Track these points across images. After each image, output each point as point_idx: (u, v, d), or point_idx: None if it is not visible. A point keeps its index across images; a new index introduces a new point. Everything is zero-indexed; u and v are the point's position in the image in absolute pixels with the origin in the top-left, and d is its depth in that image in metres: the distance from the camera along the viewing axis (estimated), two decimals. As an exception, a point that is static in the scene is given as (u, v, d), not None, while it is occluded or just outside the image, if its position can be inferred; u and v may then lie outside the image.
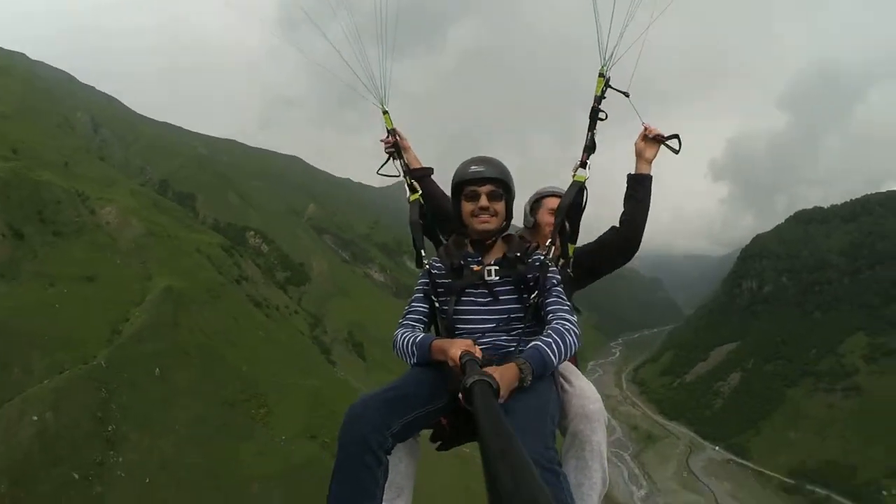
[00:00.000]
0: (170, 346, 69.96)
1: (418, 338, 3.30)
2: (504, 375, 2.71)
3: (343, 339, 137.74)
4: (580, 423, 3.37)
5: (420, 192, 4.31)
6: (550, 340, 3.07)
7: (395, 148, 4.54)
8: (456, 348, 2.85)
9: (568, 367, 3.68)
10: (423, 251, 3.89)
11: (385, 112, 4.60)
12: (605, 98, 4.05)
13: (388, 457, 2.85)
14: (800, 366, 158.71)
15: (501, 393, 2.60)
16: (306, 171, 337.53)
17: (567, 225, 3.97)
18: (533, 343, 3.08)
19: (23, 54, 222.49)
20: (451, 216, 3.84)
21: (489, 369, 2.67)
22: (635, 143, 4.28)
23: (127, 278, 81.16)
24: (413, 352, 3.26)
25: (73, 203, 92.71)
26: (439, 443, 3.38)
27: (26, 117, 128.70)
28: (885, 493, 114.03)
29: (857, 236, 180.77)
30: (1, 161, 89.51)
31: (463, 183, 3.57)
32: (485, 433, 1.51)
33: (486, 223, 3.55)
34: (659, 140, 4.20)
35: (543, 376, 3.02)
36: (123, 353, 65.01)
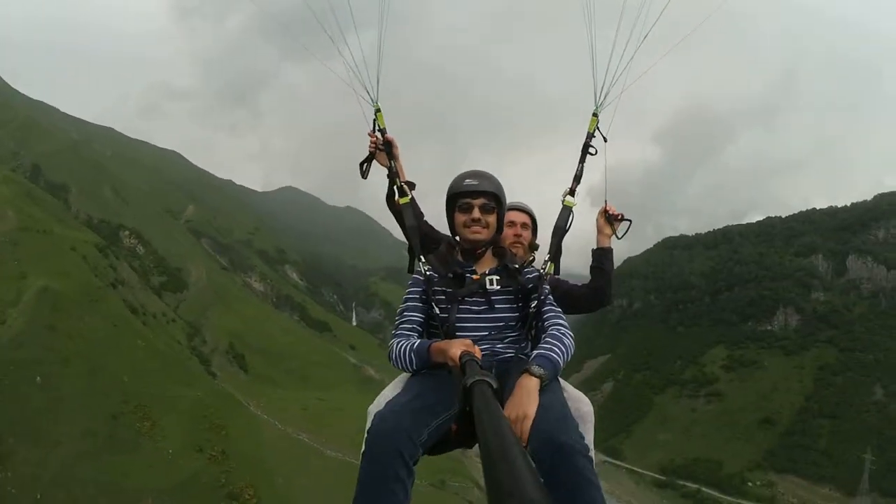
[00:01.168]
0: (49, 353, 66.41)
1: (415, 344, 3.32)
2: (531, 396, 2.84)
3: (223, 351, 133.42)
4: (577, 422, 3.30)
5: (410, 196, 4.29)
6: (553, 346, 3.20)
7: (388, 148, 4.40)
8: (456, 348, 2.87)
9: None
10: (422, 258, 3.87)
11: (378, 110, 4.49)
12: (594, 136, 4.28)
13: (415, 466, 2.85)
14: (666, 375, 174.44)
15: (532, 410, 2.76)
16: (187, 169, 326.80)
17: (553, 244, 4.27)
18: (537, 352, 3.18)
19: None
20: (429, 233, 4.21)
21: (514, 398, 2.84)
22: (596, 219, 4.61)
23: (0, 275, 75.73)
24: (412, 358, 3.28)
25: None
26: (444, 446, 3.31)
27: None
28: (749, 483, 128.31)
29: (717, 261, 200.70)
30: None
31: (457, 195, 3.69)
32: (485, 433, 1.50)
33: (478, 234, 3.66)
34: (616, 220, 4.52)
35: (556, 378, 3.18)
36: (1, 358, 60.70)
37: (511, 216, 4.61)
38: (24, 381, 60.88)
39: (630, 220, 4.50)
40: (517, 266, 3.69)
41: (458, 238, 3.78)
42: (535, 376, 2.90)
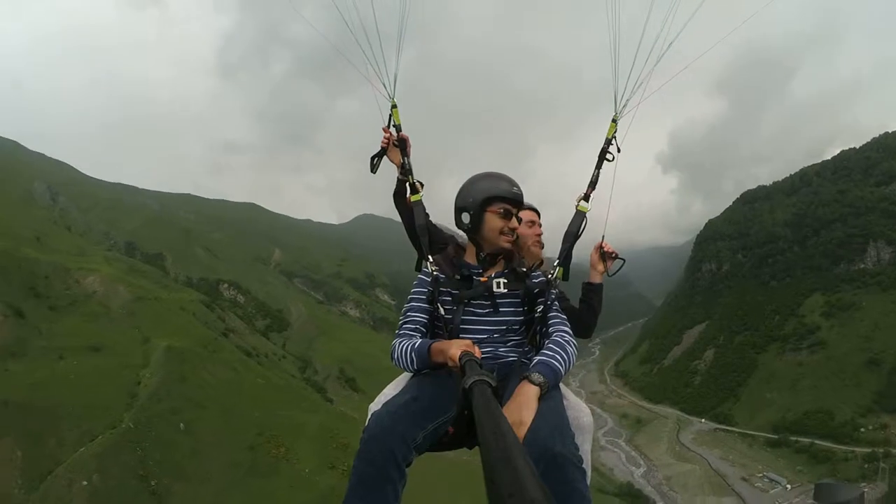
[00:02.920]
0: (186, 402, 73.33)
1: (416, 344, 3.28)
2: (529, 402, 2.82)
3: (335, 377, 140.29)
4: (575, 433, 3.16)
5: (421, 193, 4.33)
6: (555, 353, 3.15)
7: (402, 145, 4.43)
8: (455, 349, 2.82)
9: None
10: (430, 258, 3.85)
11: (394, 106, 4.51)
12: (612, 143, 4.24)
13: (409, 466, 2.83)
14: (766, 332, 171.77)
15: (529, 417, 2.74)
16: (266, 216, 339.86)
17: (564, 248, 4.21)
18: (539, 359, 3.12)
19: None
20: (435, 234, 4.22)
21: (512, 403, 2.82)
22: (591, 255, 4.51)
23: (128, 343, 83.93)
24: (412, 358, 3.25)
25: (60, 276, 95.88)
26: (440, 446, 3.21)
27: None
28: (862, 429, 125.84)
29: (799, 207, 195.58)
30: None
31: (500, 199, 3.56)
32: (485, 433, 1.49)
33: (510, 242, 3.62)
34: (610, 257, 4.49)
35: (557, 386, 3.11)
36: (146, 413, 68.24)
37: (529, 215, 4.65)
38: (169, 428, 67.80)
39: (623, 259, 4.53)
40: (524, 270, 3.65)
41: (478, 240, 3.66)
42: (535, 384, 2.88)
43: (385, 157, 4.56)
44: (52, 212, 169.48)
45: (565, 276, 4.07)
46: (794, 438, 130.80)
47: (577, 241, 4.24)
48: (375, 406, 3.28)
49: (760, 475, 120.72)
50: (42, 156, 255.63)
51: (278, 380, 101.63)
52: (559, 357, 3.12)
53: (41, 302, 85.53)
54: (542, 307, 3.56)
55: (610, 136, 4.24)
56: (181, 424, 69.22)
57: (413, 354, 3.24)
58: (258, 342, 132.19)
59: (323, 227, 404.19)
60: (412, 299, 3.68)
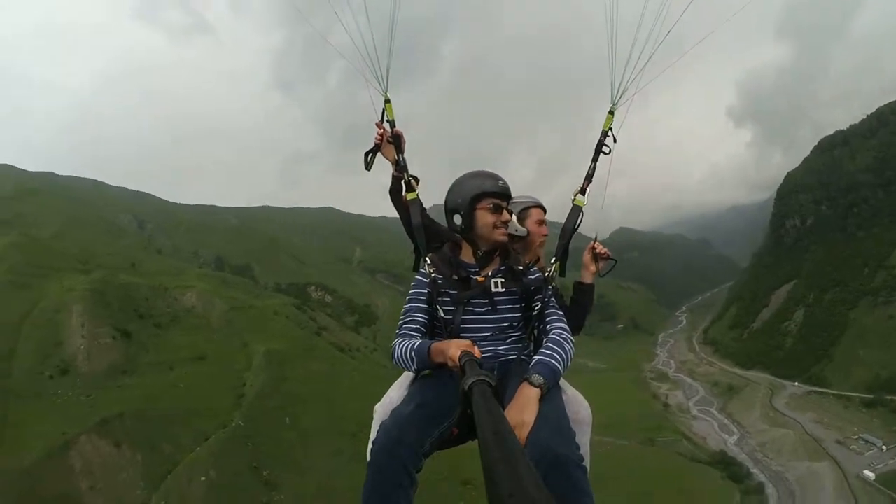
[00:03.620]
0: (289, 398, 77.85)
1: (416, 344, 3.28)
2: (530, 404, 2.85)
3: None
4: (573, 427, 3.17)
5: (417, 190, 4.30)
6: (554, 352, 3.19)
7: (396, 141, 4.38)
8: (455, 349, 2.84)
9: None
10: (427, 259, 3.81)
11: (387, 101, 4.43)
12: (608, 135, 4.15)
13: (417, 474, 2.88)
14: (856, 287, 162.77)
15: (530, 419, 2.78)
16: (343, 218, 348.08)
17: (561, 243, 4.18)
18: (538, 359, 3.15)
19: (51, 173, 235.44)
20: (433, 230, 4.13)
21: (513, 405, 2.85)
22: (583, 255, 4.41)
23: (229, 350, 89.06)
24: (412, 358, 3.25)
25: (160, 296, 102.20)
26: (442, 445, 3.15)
27: (79, 230, 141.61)
28: None
29: (879, 150, 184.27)
30: (83, 275, 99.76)
31: (488, 194, 3.59)
32: (484, 434, 1.49)
33: (505, 236, 3.65)
34: (603, 258, 4.39)
35: (556, 385, 3.14)
36: (254, 412, 72.85)
37: (538, 214, 4.60)
38: (276, 424, 72.53)
39: (615, 261, 4.50)
40: (521, 267, 3.66)
41: (473, 238, 3.68)
42: (535, 386, 2.90)
43: (380, 154, 4.50)
44: (141, 239, 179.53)
45: (562, 272, 4.14)
46: (889, 397, 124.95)
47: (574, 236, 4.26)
48: (381, 406, 3.44)
49: (856, 437, 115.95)
50: (124, 189, 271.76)
51: (372, 371, 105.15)
52: (557, 356, 3.17)
53: (145, 321, 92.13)
54: (539, 304, 3.63)
55: (606, 128, 4.17)
56: (286, 419, 73.60)
57: (413, 354, 3.26)
58: (350, 338, 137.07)
59: (399, 221, 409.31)
60: (411, 300, 3.67)
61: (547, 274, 3.77)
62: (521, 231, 4.43)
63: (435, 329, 3.67)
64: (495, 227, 3.59)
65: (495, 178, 3.65)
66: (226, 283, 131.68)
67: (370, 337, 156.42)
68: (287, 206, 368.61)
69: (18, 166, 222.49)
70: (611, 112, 4.15)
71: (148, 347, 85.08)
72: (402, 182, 4.32)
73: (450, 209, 3.68)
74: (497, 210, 3.59)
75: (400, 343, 3.39)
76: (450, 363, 2.86)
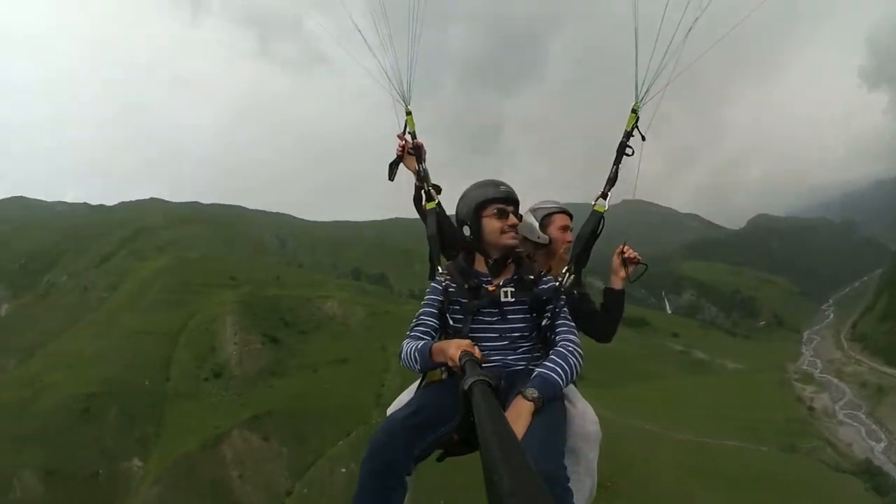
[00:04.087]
0: None
1: (420, 345, 3.29)
2: (520, 418, 2.80)
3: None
4: (579, 442, 3.40)
5: (437, 200, 4.37)
6: (556, 366, 3.11)
7: (417, 152, 4.51)
8: (454, 349, 2.87)
9: (570, 388, 3.59)
10: (439, 267, 3.90)
11: (409, 113, 4.59)
12: (633, 135, 4.02)
13: (409, 477, 2.93)
14: None
15: (519, 433, 2.68)
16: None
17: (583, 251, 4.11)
18: (538, 371, 3.10)
19: (197, 202, 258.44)
20: (454, 237, 3.99)
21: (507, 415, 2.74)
22: (612, 259, 4.37)
23: (369, 353, 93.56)
24: (416, 358, 3.26)
25: (304, 306, 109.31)
26: (440, 451, 3.17)
27: (226, 251, 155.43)
28: None
29: None
30: (232, 290, 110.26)
31: (491, 201, 3.61)
32: (485, 433, 1.48)
33: (515, 239, 3.63)
34: (632, 263, 4.35)
35: (555, 399, 3.06)
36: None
37: (563, 220, 4.54)
38: None
39: (646, 265, 4.45)
40: (532, 277, 3.62)
41: (483, 248, 3.68)
42: (528, 399, 2.86)
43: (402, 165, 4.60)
44: (284, 256, 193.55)
45: (578, 284, 4.02)
46: None
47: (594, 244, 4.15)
48: (391, 409, 3.40)
49: None
50: (264, 212, 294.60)
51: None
52: (559, 369, 3.10)
53: (291, 329, 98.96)
54: (549, 315, 3.55)
55: (629, 129, 4.03)
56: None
57: (416, 355, 3.27)
58: None
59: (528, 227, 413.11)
60: (425, 305, 3.69)
61: (558, 282, 3.72)
62: (543, 238, 4.43)
63: (447, 336, 3.63)
64: (503, 231, 3.60)
65: (497, 184, 3.71)
66: (363, 291, 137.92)
67: None
68: (415, 216, 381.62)
69: (167, 199, 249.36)
70: (633, 111, 4.01)
71: (294, 352, 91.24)
72: (423, 192, 4.45)
73: (459, 222, 3.76)
74: (502, 215, 3.61)
75: (407, 344, 3.41)
76: (450, 363, 2.91)
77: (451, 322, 3.60)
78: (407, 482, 2.90)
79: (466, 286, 3.59)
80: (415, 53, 4.44)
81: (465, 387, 2.11)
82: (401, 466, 2.84)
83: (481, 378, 2.09)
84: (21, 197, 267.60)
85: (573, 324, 3.52)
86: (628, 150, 4.05)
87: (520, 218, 3.72)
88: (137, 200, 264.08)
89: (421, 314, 3.61)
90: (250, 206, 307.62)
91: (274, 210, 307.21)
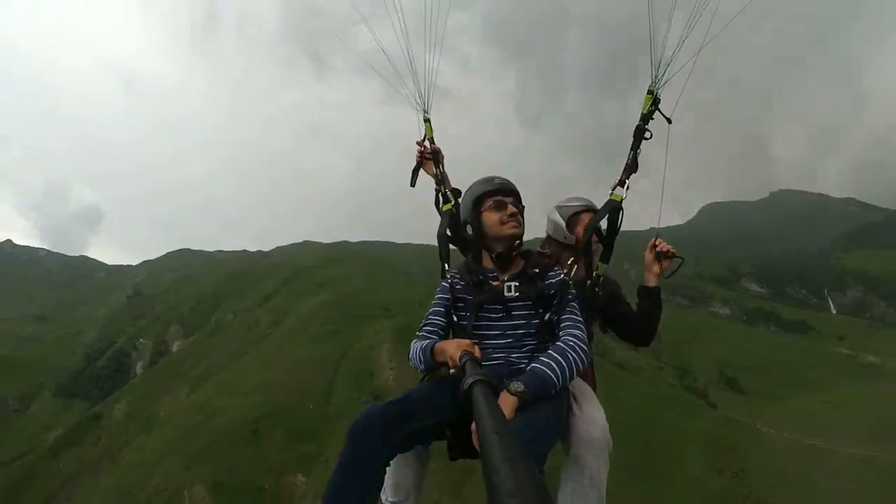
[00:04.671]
0: None
1: (424, 344, 3.29)
2: (507, 404, 2.76)
3: (715, 380, 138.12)
4: (581, 449, 3.30)
5: (453, 202, 4.25)
6: (551, 361, 3.03)
7: (435, 157, 4.55)
8: (454, 348, 2.86)
9: (581, 388, 3.61)
10: (447, 265, 3.91)
11: (427, 120, 4.65)
12: (652, 118, 3.79)
13: (389, 466, 2.90)
14: None
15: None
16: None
17: (601, 244, 3.99)
18: (531, 366, 3.05)
19: (345, 241, 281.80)
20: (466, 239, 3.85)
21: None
22: (644, 254, 4.20)
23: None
24: (420, 358, 3.27)
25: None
26: (452, 452, 3.20)
27: (379, 284, 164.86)
28: None
29: None
30: (388, 319, 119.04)
31: (488, 194, 3.59)
32: (485, 433, 1.47)
33: (516, 227, 3.54)
34: (667, 257, 4.16)
35: (548, 396, 2.96)
36: None
37: (588, 218, 4.32)
38: None
39: (682, 258, 4.19)
40: (537, 271, 3.50)
41: (487, 244, 3.62)
42: (512, 394, 2.80)
43: (422, 170, 4.67)
44: (432, 285, 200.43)
45: (588, 275, 3.93)
46: None
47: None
48: None
49: None
50: (409, 244, 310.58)
51: (658, 390, 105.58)
52: (554, 364, 3.01)
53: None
54: (553, 310, 3.42)
55: (645, 111, 3.82)
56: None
57: (421, 355, 3.27)
58: (630, 355, 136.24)
59: (669, 230, 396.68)
60: (433, 305, 3.67)
61: (565, 274, 3.58)
62: (570, 238, 4.35)
63: (453, 336, 3.60)
64: (502, 222, 3.55)
65: (491, 178, 3.69)
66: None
67: (654, 355, 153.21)
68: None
69: (317, 240, 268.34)
70: (650, 92, 3.80)
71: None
72: (439, 194, 4.44)
73: (462, 223, 3.76)
74: (500, 206, 3.57)
75: (414, 344, 3.42)
76: (450, 362, 2.90)
77: (456, 319, 3.58)
78: (383, 471, 2.87)
79: (472, 283, 3.58)
80: (433, 63, 4.51)
81: (465, 386, 2.09)
82: (376, 452, 2.81)
83: (481, 378, 2.07)
84: (185, 249, 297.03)
85: (580, 319, 3.40)
86: (647, 135, 3.84)
87: (521, 209, 3.64)
88: (291, 244, 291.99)
89: (429, 314, 3.65)
90: (396, 240, 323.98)
91: (419, 242, 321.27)
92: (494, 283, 3.49)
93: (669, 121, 3.76)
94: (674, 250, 4.12)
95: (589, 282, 3.90)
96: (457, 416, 2.89)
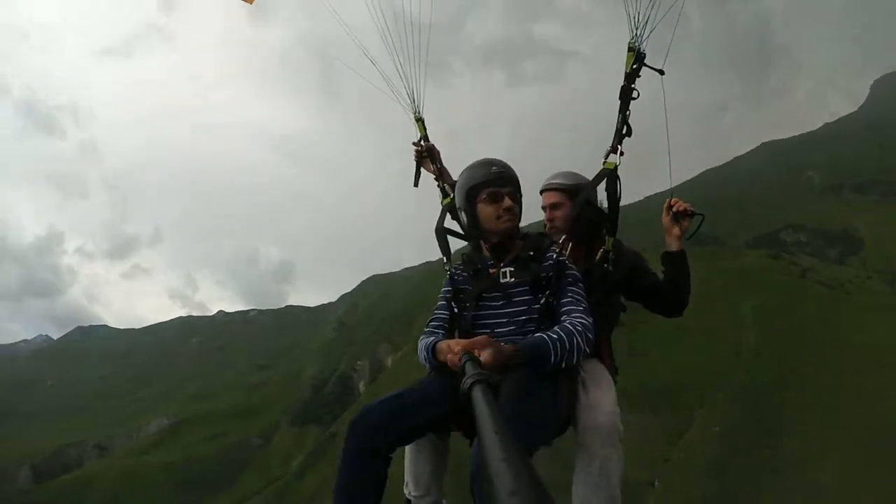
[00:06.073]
0: (783, 345, 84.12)
1: (428, 342, 3.27)
2: (499, 351, 2.73)
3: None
4: (588, 436, 3.24)
5: (451, 196, 4.16)
6: (556, 336, 2.96)
7: (430, 154, 4.60)
8: (454, 349, 2.80)
9: (592, 373, 3.50)
10: (449, 257, 3.84)
11: (419, 120, 4.68)
12: (639, 76, 3.62)
13: (390, 458, 2.90)
14: None
15: (488, 364, 2.58)
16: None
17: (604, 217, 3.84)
18: (539, 334, 3.03)
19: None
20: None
21: (488, 349, 2.69)
22: (662, 218, 3.96)
23: (717, 316, 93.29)
24: (425, 356, 3.27)
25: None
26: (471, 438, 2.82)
27: None
28: None
29: None
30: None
31: (482, 185, 3.39)
32: (485, 432, 1.43)
33: (510, 221, 3.40)
34: (685, 216, 3.90)
35: (537, 370, 2.91)
36: (750, 365, 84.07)
37: (549, 198, 4.24)
38: (776, 371, 78.63)
39: (703, 215, 3.98)
40: (531, 254, 3.40)
41: (483, 234, 3.50)
42: (515, 353, 2.83)
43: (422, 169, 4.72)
44: None
45: (601, 255, 3.76)
46: None
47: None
48: None
49: None
50: None
51: (868, 301, 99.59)
52: (558, 342, 2.95)
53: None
54: (551, 292, 3.30)
55: (628, 70, 3.62)
56: (782, 368, 78.10)
57: (425, 353, 3.27)
58: (836, 272, 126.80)
59: (841, 122, 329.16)
60: (439, 299, 3.66)
61: (558, 254, 3.41)
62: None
63: (456, 325, 3.58)
64: (498, 217, 3.38)
65: (487, 165, 3.45)
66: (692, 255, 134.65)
67: (859, 265, 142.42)
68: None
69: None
70: (630, 49, 3.60)
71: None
72: (439, 188, 4.46)
73: (459, 209, 3.62)
74: (495, 199, 3.37)
75: (421, 341, 3.39)
76: (450, 363, 2.85)
77: (457, 310, 3.52)
78: (384, 465, 2.89)
79: (471, 273, 3.53)
80: (423, 65, 4.52)
81: (465, 386, 1.99)
82: (375, 449, 2.84)
83: (481, 377, 1.99)
84: (375, 275, 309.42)
85: (582, 296, 3.30)
86: (634, 94, 3.67)
87: (519, 198, 3.48)
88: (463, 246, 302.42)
89: (436, 308, 3.63)
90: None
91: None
92: (491, 271, 3.47)
93: (662, 73, 3.67)
94: (692, 208, 3.92)
95: (597, 259, 3.76)
96: (458, 410, 2.83)
